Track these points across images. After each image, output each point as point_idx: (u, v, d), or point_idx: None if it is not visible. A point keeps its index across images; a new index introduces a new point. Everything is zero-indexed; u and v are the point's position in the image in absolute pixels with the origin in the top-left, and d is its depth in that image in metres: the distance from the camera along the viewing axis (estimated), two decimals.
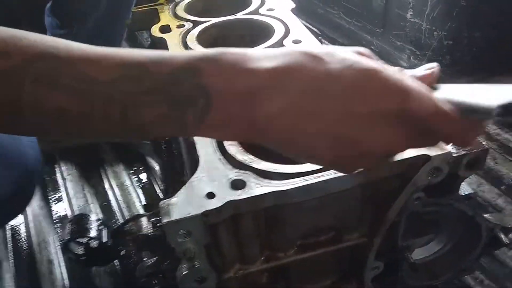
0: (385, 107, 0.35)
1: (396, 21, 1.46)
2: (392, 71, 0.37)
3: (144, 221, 0.52)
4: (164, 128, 0.37)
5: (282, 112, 0.35)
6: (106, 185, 1.13)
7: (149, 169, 1.15)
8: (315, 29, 0.90)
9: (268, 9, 0.83)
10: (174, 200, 0.47)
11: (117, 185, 1.12)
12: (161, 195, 1.05)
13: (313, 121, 0.35)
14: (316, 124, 0.36)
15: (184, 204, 0.46)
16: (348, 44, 1.60)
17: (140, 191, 1.09)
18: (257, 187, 0.48)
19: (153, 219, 0.52)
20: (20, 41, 0.37)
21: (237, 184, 0.48)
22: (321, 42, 0.86)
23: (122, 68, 0.36)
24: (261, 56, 0.37)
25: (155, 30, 0.79)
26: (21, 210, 0.77)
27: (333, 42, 1.65)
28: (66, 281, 0.91)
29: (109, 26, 1.04)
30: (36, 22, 1.30)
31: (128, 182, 1.13)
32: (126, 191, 1.10)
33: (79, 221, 0.54)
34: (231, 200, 0.46)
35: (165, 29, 0.79)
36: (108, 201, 1.08)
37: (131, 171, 1.16)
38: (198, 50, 0.38)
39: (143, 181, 1.13)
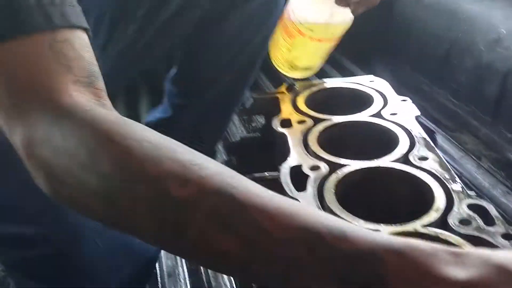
0: None
1: (510, 113, 1.38)
2: None
3: None
4: None
5: None
6: None
7: None
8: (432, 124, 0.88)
9: (392, 113, 0.81)
10: None
11: None
12: None
13: None
14: None
15: None
16: (451, 126, 1.54)
17: None
18: None
19: None
20: (200, 170, 0.37)
21: None
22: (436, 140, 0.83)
23: (300, 230, 0.35)
24: (454, 262, 0.34)
25: (276, 124, 0.80)
26: None
27: (437, 123, 1.59)
28: None
29: (227, 101, 1.07)
30: (154, 89, 1.37)
31: None
32: None
33: None
34: None
35: (286, 123, 0.80)
36: (197, 266, 1.09)
37: None
38: (379, 234, 0.36)
39: None
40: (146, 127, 0.42)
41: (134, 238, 0.66)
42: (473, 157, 1.39)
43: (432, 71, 1.67)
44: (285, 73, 0.83)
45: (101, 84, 0.45)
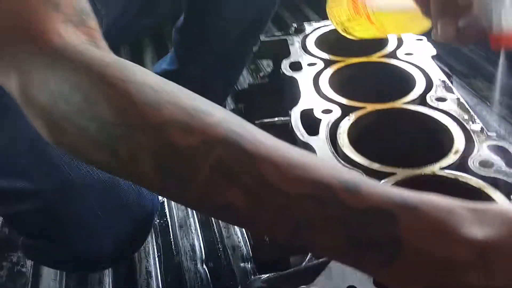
0: None
1: None
2: None
3: None
4: (334, 257, 0.34)
5: None
6: None
7: None
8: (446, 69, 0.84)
9: (407, 53, 0.77)
10: None
11: None
12: None
13: None
14: None
15: None
16: (465, 72, 1.48)
17: None
18: None
19: None
20: (205, 116, 0.35)
21: (381, 283, 0.44)
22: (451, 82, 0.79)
23: (310, 185, 0.32)
24: (471, 219, 0.31)
25: (285, 67, 0.76)
26: (132, 253, 0.79)
27: (451, 68, 1.54)
28: None
29: (235, 54, 1.03)
30: (159, 40, 1.31)
31: None
32: None
33: None
34: None
35: (296, 66, 0.76)
36: (208, 217, 1.08)
37: None
38: (393, 188, 0.33)
39: None
40: (147, 70, 0.38)
41: (130, 195, 0.65)
42: (488, 104, 1.34)
43: None
44: (335, 27, 0.77)
45: (93, 22, 0.42)
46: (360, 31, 0.73)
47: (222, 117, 0.35)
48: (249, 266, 0.96)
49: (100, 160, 0.37)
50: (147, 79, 0.37)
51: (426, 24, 0.63)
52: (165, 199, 1.14)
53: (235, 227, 1.05)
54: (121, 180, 0.63)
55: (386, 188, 0.33)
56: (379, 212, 0.31)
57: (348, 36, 0.76)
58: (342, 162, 0.58)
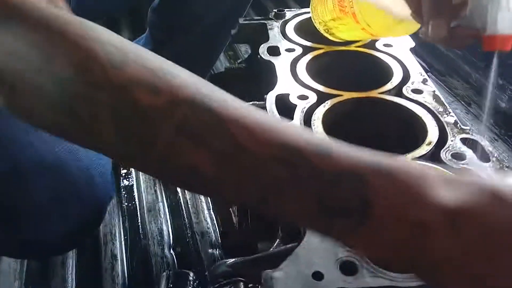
0: None
1: (503, 59, 1.35)
2: None
3: (241, 286, 0.49)
4: (304, 223, 0.33)
5: (451, 257, 0.30)
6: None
7: None
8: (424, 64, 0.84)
9: (385, 44, 0.77)
10: (278, 273, 0.43)
11: None
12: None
13: (481, 281, 0.30)
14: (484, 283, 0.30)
15: (289, 281, 0.42)
16: (442, 70, 1.50)
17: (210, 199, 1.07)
18: (371, 276, 0.43)
19: (251, 285, 0.49)
20: (172, 77, 0.33)
21: (347, 268, 0.44)
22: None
23: (280, 147, 0.31)
24: (443, 186, 0.31)
25: (263, 51, 0.75)
26: (82, 240, 0.77)
27: (428, 66, 1.55)
28: (127, 280, 0.90)
29: (215, 35, 1.01)
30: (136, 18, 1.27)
31: None
32: (196, 195, 1.08)
33: (177, 280, 0.52)
34: None
35: (274, 51, 0.75)
36: (178, 202, 1.07)
37: None
38: (366, 152, 0.33)
39: None
40: (111, 31, 0.36)
41: (80, 180, 0.62)
42: (463, 102, 1.36)
43: None
44: (317, 28, 0.75)
45: None
46: (343, 31, 0.72)
47: (190, 79, 0.34)
48: (217, 252, 0.95)
49: (56, 122, 0.35)
50: (112, 38, 0.35)
51: (413, 27, 0.62)
52: (134, 182, 1.12)
53: (205, 212, 1.03)
54: (72, 166, 0.61)
55: (358, 152, 0.32)
56: (350, 176, 0.31)
57: (329, 37, 0.75)
58: None
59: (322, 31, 0.74)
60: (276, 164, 0.31)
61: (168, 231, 1.00)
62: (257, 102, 0.68)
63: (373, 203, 0.30)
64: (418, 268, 0.31)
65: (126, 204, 1.06)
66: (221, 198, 0.34)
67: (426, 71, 0.80)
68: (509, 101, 1.30)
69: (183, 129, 0.32)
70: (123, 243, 0.97)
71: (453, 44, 0.56)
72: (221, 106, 0.32)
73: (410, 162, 0.32)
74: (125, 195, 1.08)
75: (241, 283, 0.49)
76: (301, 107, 0.63)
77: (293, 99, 0.65)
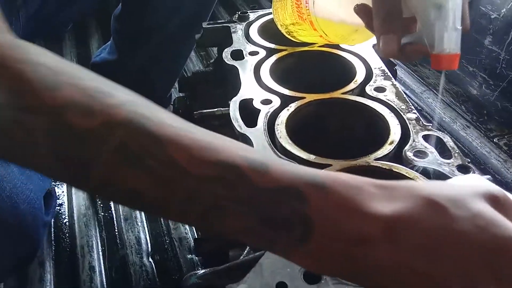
0: None
1: (472, 46, 1.36)
2: None
3: None
4: (247, 241, 0.33)
5: (391, 267, 0.30)
6: None
7: None
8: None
9: None
10: (242, 287, 0.43)
11: None
12: None
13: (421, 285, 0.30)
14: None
15: None
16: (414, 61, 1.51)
17: None
18: (334, 284, 0.43)
19: None
20: (107, 98, 0.33)
21: (311, 277, 0.44)
22: (396, 76, 0.79)
23: (218, 166, 0.32)
24: (379, 195, 0.31)
25: (226, 56, 0.74)
26: (22, 267, 0.76)
27: None
28: None
29: (179, 41, 1.00)
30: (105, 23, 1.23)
31: None
32: None
33: None
34: None
35: (237, 54, 0.75)
36: None
37: None
38: (301, 167, 0.33)
39: None
40: (46, 51, 0.36)
41: (4, 208, 0.61)
42: (435, 91, 1.37)
43: None
44: (279, 29, 0.74)
45: None
46: (303, 36, 0.72)
47: (125, 98, 0.33)
48: (196, 258, 0.95)
49: None
50: (44, 60, 0.34)
51: (369, 35, 0.62)
52: None
53: None
54: None
55: (295, 167, 0.33)
56: (288, 191, 0.31)
57: (292, 39, 0.75)
58: (279, 154, 0.57)
59: (284, 33, 0.74)
60: (215, 183, 0.31)
61: (146, 239, 0.99)
62: (222, 109, 0.67)
63: (312, 219, 0.31)
64: (362, 278, 0.32)
65: (102, 214, 1.05)
66: (165, 218, 0.34)
67: (393, 65, 0.80)
68: (480, 88, 1.31)
69: (119, 151, 0.31)
70: (100, 254, 0.96)
71: (404, 59, 0.56)
72: (158, 126, 0.32)
73: (345, 175, 0.32)
74: (101, 205, 1.07)
75: None
76: (264, 111, 0.63)
77: (256, 104, 0.65)
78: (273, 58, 0.73)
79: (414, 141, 0.58)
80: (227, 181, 0.31)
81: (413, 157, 0.56)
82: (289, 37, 0.74)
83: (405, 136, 0.59)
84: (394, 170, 0.54)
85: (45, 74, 0.33)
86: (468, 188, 0.32)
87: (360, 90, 0.67)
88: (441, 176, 0.54)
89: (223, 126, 0.66)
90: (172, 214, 0.33)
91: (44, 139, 0.32)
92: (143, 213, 1.05)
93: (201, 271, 0.55)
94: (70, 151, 0.32)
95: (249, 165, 0.32)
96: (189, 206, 0.32)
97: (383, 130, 0.60)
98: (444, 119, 1.26)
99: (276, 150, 0.57)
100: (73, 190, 1.09)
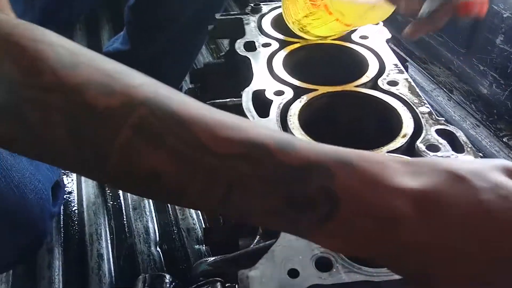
0: None
1: (483, 45, 1.35)
2: None
3: (219, 287, 0.49)
4: (270, 223, 0.33)
5: (420, 241, 0.30)
6: None
7: None
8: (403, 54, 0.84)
9: (361, 36, 0.77)
10: (253, 272, 0.43)
11: None
12: None
13: (454, 263, 0.30)
14: (459, 266, 0.30)
15: (264, 279, 0.43)
16: (423, 58, 1.50)
17: None
18: (346, 272, 0.43)
19: (228, 285, 0.49)
20: (126, 78, 0.32)
21: (323, 264, 0.44)
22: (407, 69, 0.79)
23: (243, 145, 0.31)
24: (403, 170, 0.31)
25: (239, 47, 0.74)
26: (29, 255, 0.76)
27: (409, 54, 1.56)
28: (114, 279, 0.91)
29: (192, 33, 1.00)
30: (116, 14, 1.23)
31: None
32: None
33: (154, 282, 0.52)
34: (316, 284, 0.42)
35: (250, 46, 0.75)
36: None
37: None
38: (328, 146, 0.33)
39: None
40: (62, 36, 0.35)
41: (11, 197, 0.62)
42: (445, 89, 1.37)
43: None
44: (291, 28, 0.74)
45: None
46: (318, 27, 0.72)
47: (145, 80, 0.33)
48: (204, 248, 0.95)
49: (5, 131, 0.33)
50: (61, 41, 0.34)
51: (385, 12, 0.62)
52: None
53: (191, 209, 1.03)
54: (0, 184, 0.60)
55: (321, 146, 0.32)
56: (315, 168, 0.31)
57: (305, 36, 0.75)
58: None
59: (297, 31, 0.74)
60: (240, 161, 0.31)
61: (154, 229, 1.00)
62: (234, 99, 0.68)
63: (338, 196, 0.30)
64: (391, 258, 0.31)
65: (111, 203, 1.06)
66: (183, 202, 0.34)
67: (407, 60, 0.80)
68: (490, 87, 1.31)
69: (141, 130, 0.31)
70: (109, 242, 0.97)
71: (431, 23, 0.59)
72: (181, 107, 0.32)
73: (369, 152, 0.33)
74: (110, 194, 1.07)
75: (219, 283, 0.49)
76: (277, 102, 0.63)
77: (269, 94, 0.65)
78: (286, 50, 0.74)
79: (426, 134, 0.58)
80: (252, 158, 0.31)
81: (425, 150, 0.56)
82: (301, 33, 0.74)
83: (417, 129, 0.59)
84: None
85: (62, 54, 0.32)
86: (486, 162, 0.32)
87: (373, 84, 0.67)
88: None
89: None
90: (191, 196, 0.32)
91: (61, 119, 0.31)
92: (151, 203, 1.06)
93: (212, 258, 0.55)
94: (88, 131, 0.31)
95: (275, 143, 0.31)
96: (211, 186, 0.31)
97: (396, 123, 0.60)
98: (454, 117, 1.26)
99: None
100: (83, 179, 1.10)
